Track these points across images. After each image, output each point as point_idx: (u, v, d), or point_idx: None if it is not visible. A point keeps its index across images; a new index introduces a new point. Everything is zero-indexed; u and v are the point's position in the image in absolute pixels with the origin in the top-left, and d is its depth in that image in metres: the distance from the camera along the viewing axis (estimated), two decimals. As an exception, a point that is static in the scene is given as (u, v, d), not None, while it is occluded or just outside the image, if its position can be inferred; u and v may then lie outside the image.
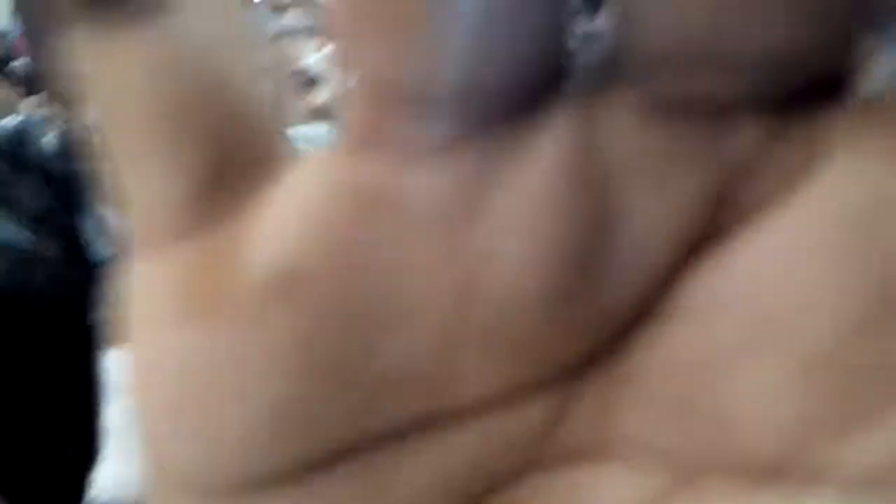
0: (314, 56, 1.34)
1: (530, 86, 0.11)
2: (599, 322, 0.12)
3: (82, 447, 1.22)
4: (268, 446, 0.12)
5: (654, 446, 0.12)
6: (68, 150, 1.55)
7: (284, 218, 0.12)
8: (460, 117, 0.11)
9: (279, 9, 1.39)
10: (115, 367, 1.13)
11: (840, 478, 0.11)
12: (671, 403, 0.12)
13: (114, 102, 0.12)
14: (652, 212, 0.11)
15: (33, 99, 1.75)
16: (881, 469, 0.11)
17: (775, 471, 0.11)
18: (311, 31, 1.36)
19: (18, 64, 1.84)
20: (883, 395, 0.11)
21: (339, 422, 0.12)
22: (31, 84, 1.78)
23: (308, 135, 1.05)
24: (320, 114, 1.28)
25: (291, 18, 1.38)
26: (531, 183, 0.11)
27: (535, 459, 0.12)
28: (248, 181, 0.12)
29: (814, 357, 0.11)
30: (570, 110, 0.11)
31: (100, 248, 1.47)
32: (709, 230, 0.11)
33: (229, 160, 0.12)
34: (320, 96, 1.31)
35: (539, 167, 0.11)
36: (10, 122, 1.65)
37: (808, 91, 0.11)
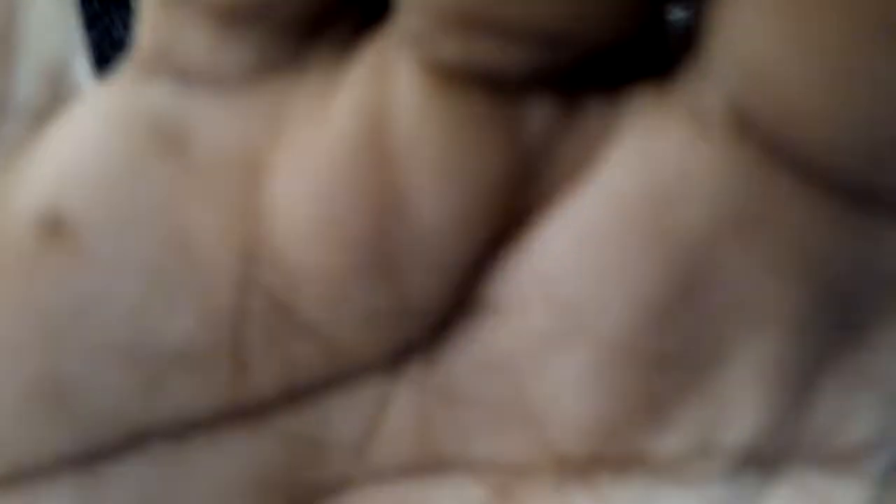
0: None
1: (328, 19, 0.10)
2: (405, 315, 0.11)
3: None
4: (40, 431, 0.11)
5: (472, 456, 0.11)
6: None
7: (58, 158, 0.11)
8: (259, 44, 0.10)
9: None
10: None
11: (648, 467, 0.11)
12: (485, 408, 0.11)
13: None
14: (446, 195, 0.10)
15: None
16: (686, 456, 0.11)
17: (588, 467, 0.11)
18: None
19: None
20: (684, 382, 0.10)
21: (124, 406, 0.11)
22: None
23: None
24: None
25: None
26: (321, 142, 0.10)
27: (350, 472, 0.11)
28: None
29: (614, 348, 0.10)
30: (370, 63, 0.10)
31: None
32: (511, 217, 0.10)
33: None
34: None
35: (330, 131, 0.10)
36: None
37: (602, 66, 0.10)
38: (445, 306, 0.11)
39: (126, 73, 0.11)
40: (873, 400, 0.11)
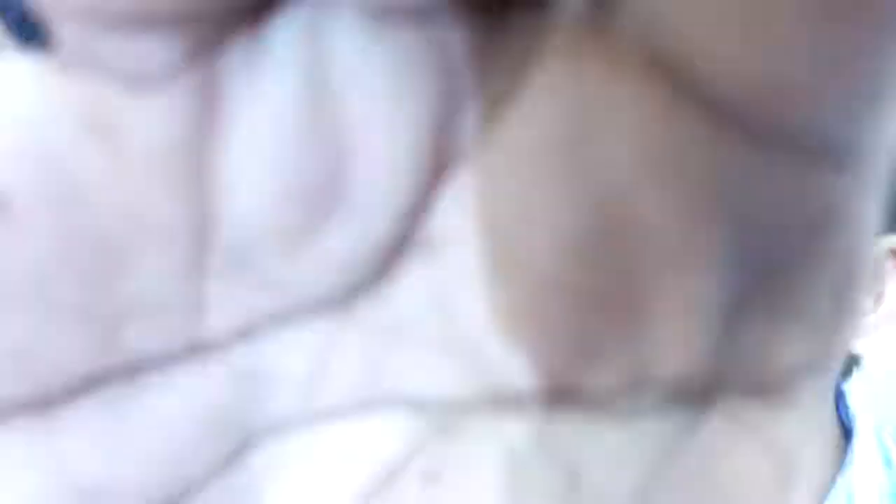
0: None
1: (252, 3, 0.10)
2: (355, 256, 0.11)
3: None
4: None
5: (413, 392, 0.11)
6: None
7: None
8: (182, 38, 0.10)
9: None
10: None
11: (582, 402, 0.11)
12: (427, 344, 0.11)
13: None
14: (391, 129, 0.11)
15: None
16: (619, 391, 0.11)
17: (523, 401, 0.11)
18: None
19: None
20: (612, 318, 0.11)
21: (78, 354, 0.11)
22: None
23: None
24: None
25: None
26: (262, 111, 0.11)
27: (297, 411, 0.12)
28: None
29: (544, 282, 0.11)
30: (299, 21, 0.10)
31: None
32: (450, 149, 0.11)
33: None
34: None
35: (269, 94, 0.11)
36: None
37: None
38: (393, 245, 0.11)
39: (55, 62, 0.11)
40: (798, 331, 0.11)
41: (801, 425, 0.12)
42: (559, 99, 0.10)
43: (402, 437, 0.11)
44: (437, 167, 0.11)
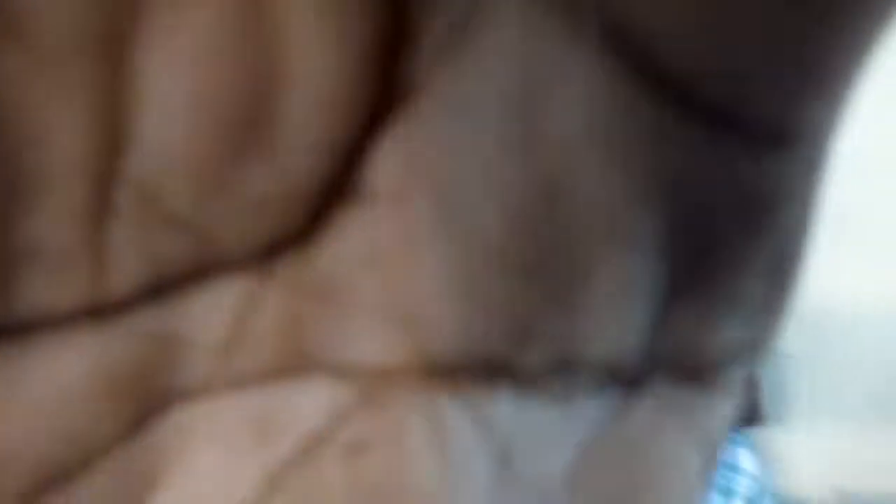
0: None
1: None
2: (281, 203, 0.10)
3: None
4: None
5: (340, 358, 0.11)
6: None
7: None
8: None
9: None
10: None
11: (515, 380, 0.11)
12: (358, 306, 0.11)
13: None
14: (326, 60, 0.10)
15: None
16: (551, 370, 0.11)
17: (456, 373, 0.11)
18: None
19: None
20: (547, 295, 0.10)
21: None
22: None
23: None
24: None
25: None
26: (185, 17, 0.10)
27: (210, 376, 0.11)
28: None
29: (484, 250, 0.10)
30: None
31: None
32: (393, 89, 0.10)
33: None
34: None
35: (199, 10, 0.10)
36: None
37: None
38: (324, 192, 0.10)
39: None
40: (733, 315, 0.11)
41: (726, 412, 0.12)
42: (512, 55, 0.10)
43: (326, 406, 0.11)
44: (378, 106, 0.10)
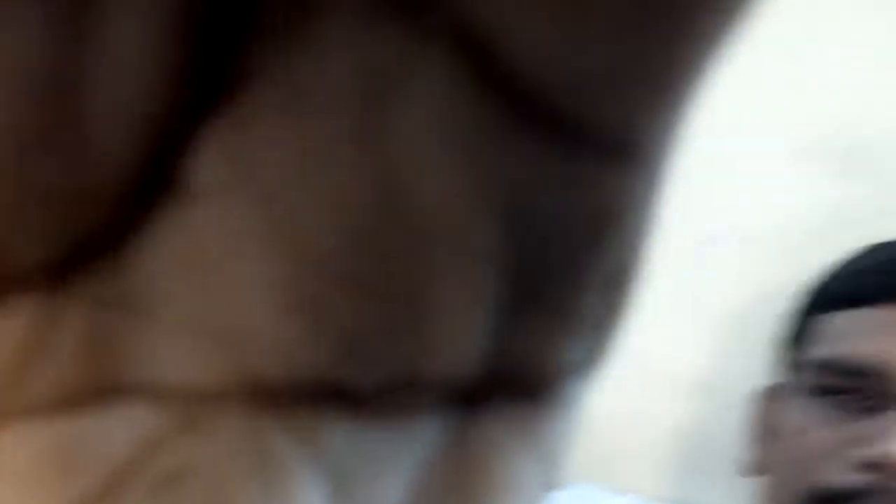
0: None
1: None
2: (81, 201, 0.09)
3: None
4: None
5: (154, 379, 0.10)
6: None
7: None
8: None
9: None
10: None
11: (350, 403, 0.10)
12: (173, 320, 0.10)
13: None
14: (132, 29, 0.09)
15: None
16: (391, 392, 0.10)
17: (284, 397, 0.10)
18: None
19: None
20: (385, 313, 0.10)
21: None
22: None
23: None
24: None
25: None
26: None
27: (7, 401, 0.10)
28: None
29: (312, 262, 0.10)
30: None
31: None
32: (216, 73, 0.09)
33: None
34: None
35: None
36: None
37: None
38: (135, 187, 0.09)
39: None
40: (571, 330, 0.11)
41: (566, 426, 0.12)
42: (352, 49, 0.09)
43: (139, 433, 0.10)
44: (203, 90, 0.09)
